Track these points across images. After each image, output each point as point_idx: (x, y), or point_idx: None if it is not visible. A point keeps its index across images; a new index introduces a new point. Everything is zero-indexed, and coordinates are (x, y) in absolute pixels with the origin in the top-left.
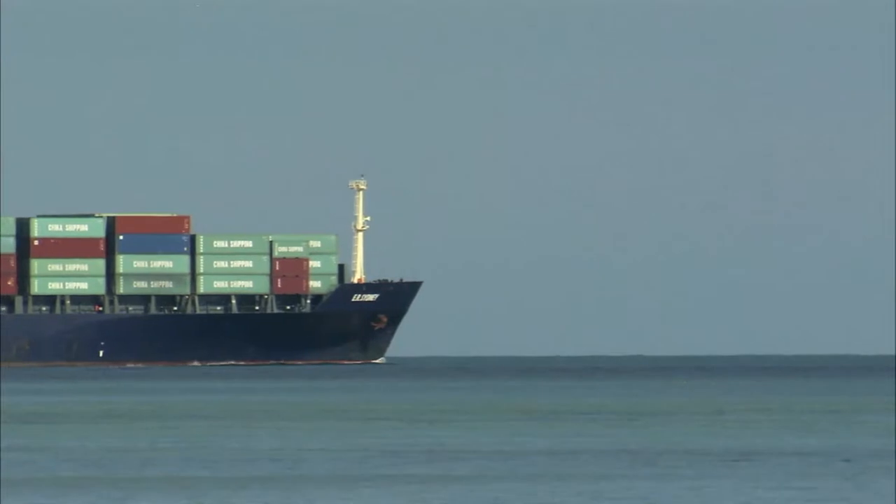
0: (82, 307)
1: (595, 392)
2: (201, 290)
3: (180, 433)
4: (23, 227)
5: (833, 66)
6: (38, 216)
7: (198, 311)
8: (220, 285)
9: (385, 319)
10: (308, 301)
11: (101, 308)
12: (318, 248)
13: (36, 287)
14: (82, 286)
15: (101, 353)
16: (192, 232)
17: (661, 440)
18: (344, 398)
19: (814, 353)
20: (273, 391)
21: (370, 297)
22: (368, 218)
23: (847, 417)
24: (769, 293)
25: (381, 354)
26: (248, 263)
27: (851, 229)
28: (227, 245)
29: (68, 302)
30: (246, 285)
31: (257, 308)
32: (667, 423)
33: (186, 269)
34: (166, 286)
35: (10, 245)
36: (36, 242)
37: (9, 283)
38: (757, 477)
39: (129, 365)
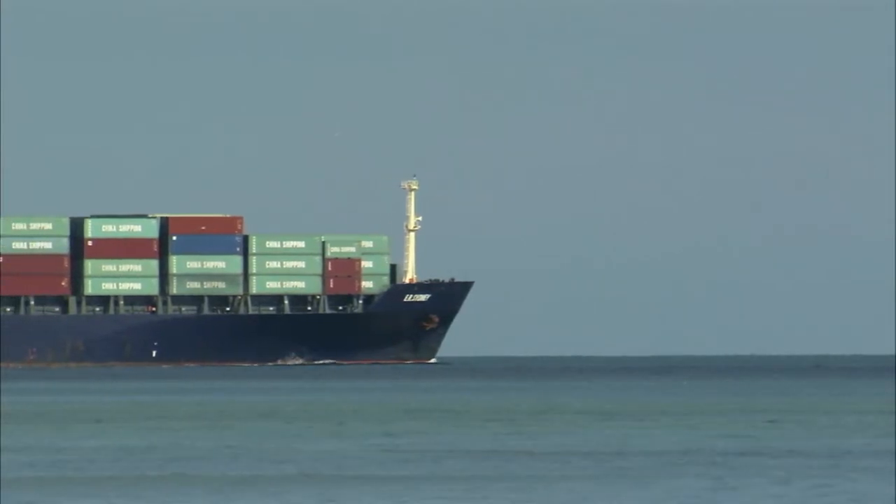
0: (135, 308)
1: (651, 392)
2: (254, 290)
3: (250, 432)
4: (76, 227)
5: (833, 66)
6: (92, 216)
7: (250, 312)
8: (272, 286)
9: (436, 320)
10: (360, 301)
11: (154, 309)
12: (370, 248)
13: (89, 288)
14: (135, 287)
15: (154, 354)
16: (244, 232)
17: (714, 438)
18: (428, 398)
19: (813, 354)
20: (350, 391)
21: (422, 298)
22: (420, 218)
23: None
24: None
25: (432, 355)
26: (301, 264)
27: (851, 229)
28: (279, 245)
29: (121, 302)
30: (298, 286)
31: (309, 308)
32: (721, 423)
33: (239, 269)
34: (219, 287)
35: (63, 246)
36: (90, 243)
37: (62, 283)
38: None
39: (185, 364)
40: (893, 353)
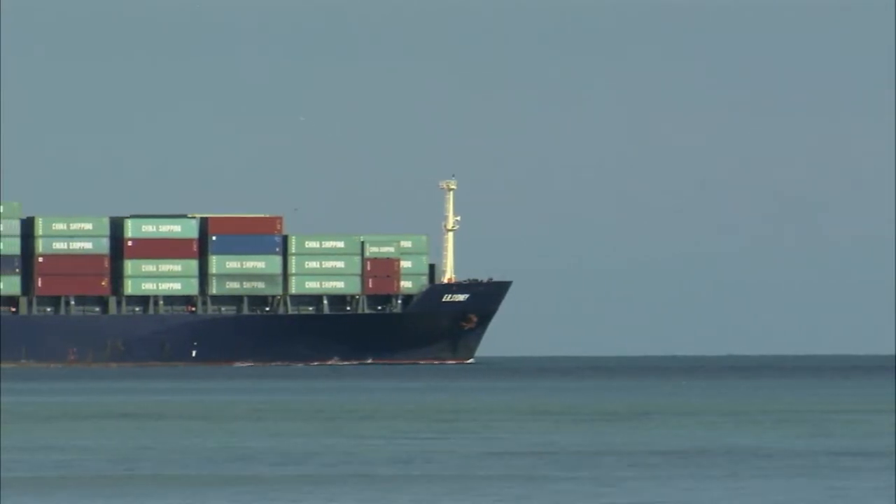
0: (175, 308)
1: (688, 392)
2: (293, 290)
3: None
4: (117, 227)
5: (833, 67)
6: (132, 216)
7: (289, 312)
8: (311, 286)
9: (475, 319)
10: (399, 301)
11: (193, 308)
12: (408, 248)
13: (129, 287)
14: (175, 287)
15: (193, 354)
16: (284, 232)
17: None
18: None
19: (814, 354)
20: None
21: (460, 298)
22: (458, 218)
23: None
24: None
25: (470, 354)
26: (340, 264)
27: (851, 229)
28: (318, 246)
29: (161, 303)
30: (337, 286)
31: (348, 308)
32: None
33: (278, 269)
34: (258, 287)
35: (104, 246)
36: (130, 243)
37: (103, 283)
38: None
39: (224, 364)
40: (893, 353)
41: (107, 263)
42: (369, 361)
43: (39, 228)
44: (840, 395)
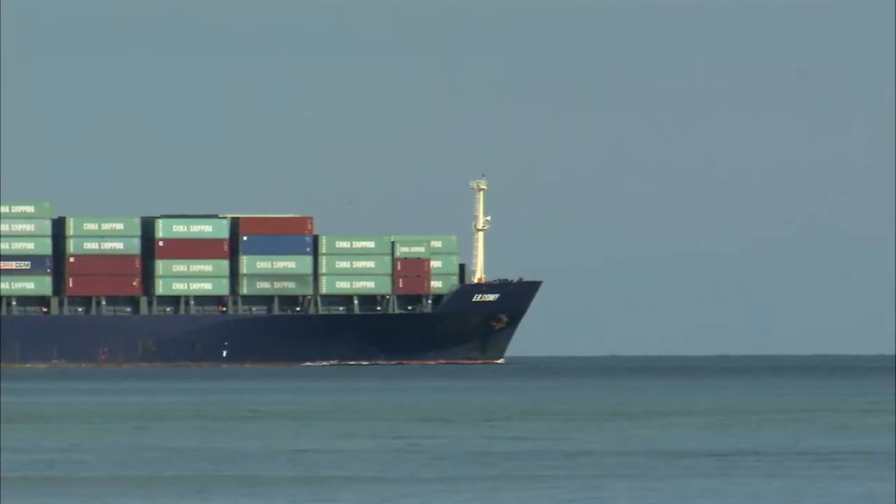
0: (206, 308)
1: (716, 391)
2: (323, 290)
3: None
4: (148, 227)
5: (833, 67)
6: (163, 217)
7: (320, 312)
8: (342, 286)
9: (505, 319)
10: (429, 301)
11: (224, 308)
12: (439, 248)
13: (160, 288)
14: (206, 287)
15: (224, 353)
16: (314, 232)
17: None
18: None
19: (814, 354)
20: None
21: (490, 297)
22: (489, 218)
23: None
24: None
25: (500, 354)
26: (370, 264)
27: (851, 229)
28: (349, 245)
29: (192, 303)
30: (368, 285)
31: (379, 308)
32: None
33: (309, 269)
34: (289, 287)
35: (135, 246)
36: (160, 243)
37: (133, 283)
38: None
39: (254, 364)
40: (893, 353)
41: (138, 263)
42: (396, 362)
43: (71, 228)
44: (840, 396)
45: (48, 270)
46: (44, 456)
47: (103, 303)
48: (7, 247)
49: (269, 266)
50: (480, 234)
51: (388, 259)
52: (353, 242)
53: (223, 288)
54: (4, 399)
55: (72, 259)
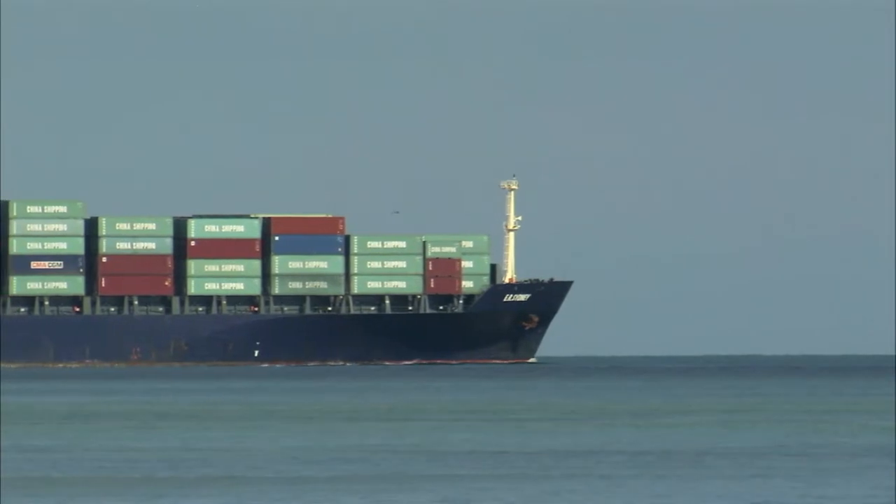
0: (238, 308)
1: (757, 391)
2: (355, 290)
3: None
4: (180, 227)
5: (833, 67)
6: (195, 217)
7: (352, 312)
8: (373, 286)
9: (536, 319)
10: (460, 301)
11: (256, 308)
12: (470, 248)
13: (192, 287)
14: (238, 287)
15: (256, 353)
16: (346, 233)
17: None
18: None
19: (814, 354)
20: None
21: (521, 297)
22: (520, 218)
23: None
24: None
25: (531, 354)
26: (402, 264)
27: (851, 229)
28: (380, 246)
29: (224, 302)
30: (399, 286)
31: (410, 308)
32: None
33: (341, 269)
34: (321, 287)
35: (167, 246)
36: (192, 243)
37: (166, 283)
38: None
39: (286, 364)
40: (893, 353)
41: (170, 263)
42: (427, 361)
43: (103, 228)
44: (841, 395)
45: (81, 270)
46: (44, 455)
47: (135, 303)
48: (40, 247)
49: (301, 266)
50: (511, 234)
51: (419, 259)
52: (385, 242)
53: (255, 288)
54: (36, 399)
55: (104, 259)
